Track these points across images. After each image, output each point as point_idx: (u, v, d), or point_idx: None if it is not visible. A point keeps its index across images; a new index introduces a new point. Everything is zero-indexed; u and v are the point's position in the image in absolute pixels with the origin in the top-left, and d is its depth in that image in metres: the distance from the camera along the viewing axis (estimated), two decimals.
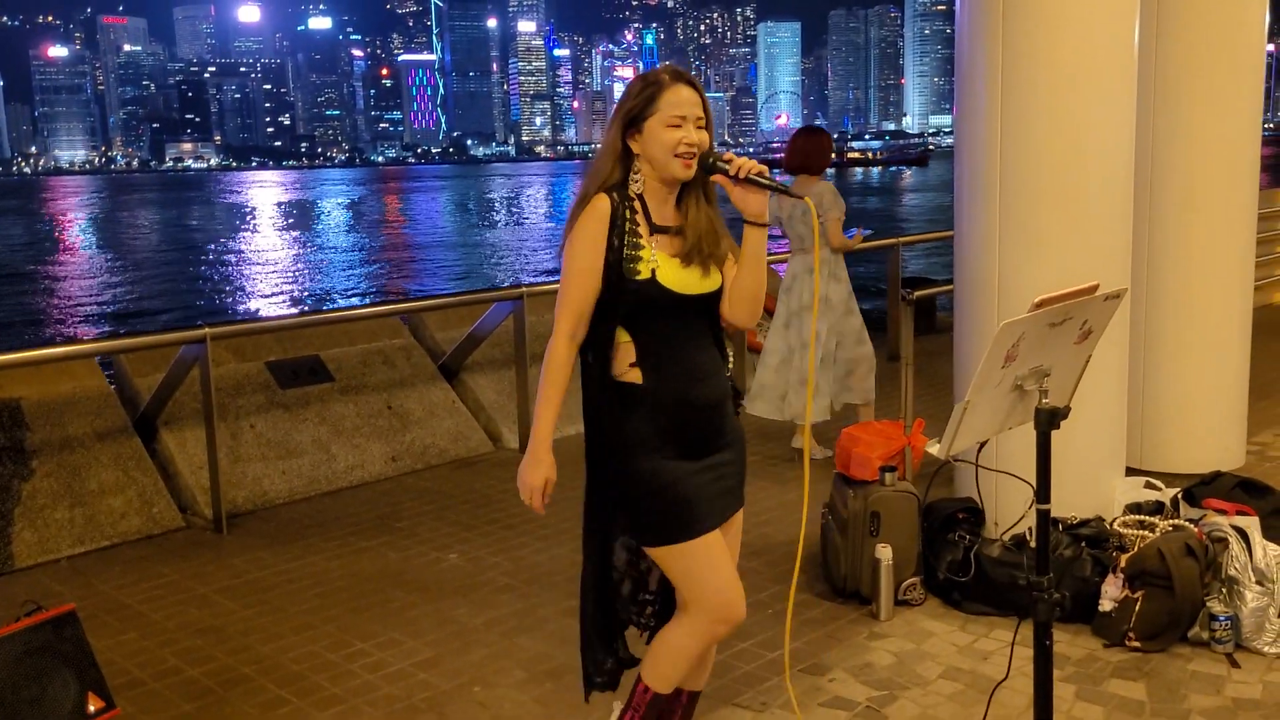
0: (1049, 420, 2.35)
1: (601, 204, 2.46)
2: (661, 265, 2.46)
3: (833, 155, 6.01)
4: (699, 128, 2.47)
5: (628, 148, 2.51)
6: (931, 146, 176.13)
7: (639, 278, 2.44)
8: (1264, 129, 5.57)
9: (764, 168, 2.41)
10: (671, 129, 2.44)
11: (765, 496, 5.28)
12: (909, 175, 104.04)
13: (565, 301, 2.48)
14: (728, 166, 2.42)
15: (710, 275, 2.51)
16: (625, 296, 2.45)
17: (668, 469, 2.47)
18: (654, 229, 2.50)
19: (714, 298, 2.54)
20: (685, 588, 2.53)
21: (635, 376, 2.48)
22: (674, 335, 2.49)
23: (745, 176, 2.41)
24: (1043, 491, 2.40)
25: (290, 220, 63.22)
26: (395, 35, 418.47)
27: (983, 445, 2.44)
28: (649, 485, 2.47)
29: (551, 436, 2.51)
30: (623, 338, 2.49)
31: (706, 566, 2.49)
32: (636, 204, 2.51)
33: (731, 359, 2.65)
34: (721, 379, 2.58)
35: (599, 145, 2.63)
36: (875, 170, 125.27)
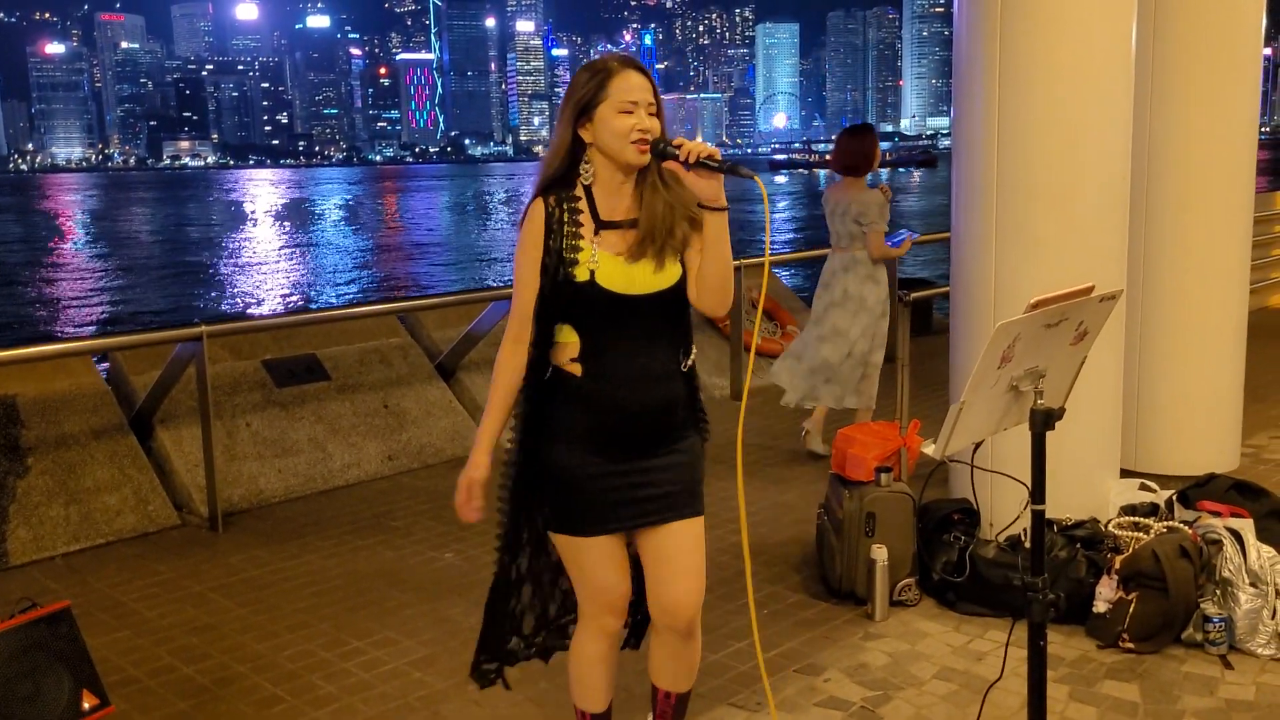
0: (1044, 421, 2.35)
1: (536, 210, 2.45)
2: (603, 265, 2.42)
3: (877, 156, 5.84)
4: (650, 114, 2.42)
5: (578, 139, 2.46)
6: (930, 150, 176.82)
7: (578, 280, 2.42)
8: (1260, 132, 5.57)
9: (714, 150, 2.36)
10: (624, 115, 2.40)
11: (760, 497, 5.29)
12: (918, 176, 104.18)
13: (514, 306, 2.51)
14: (677, 152, 2.38)
15: (665, 269, 2.46)
16: (564, 298, 2.44)
17: (580, 465, 2.48)
18: (600, 225, 2.46)
19: (670, 295, 2.48)
20: (570, 577, 2.65)
21: (575, 369, 2.47)
22: (620, 336, 2.46)
23: (695, 161, 2.36)
24: (1038, 492, 2.40)
25: (287, 219, 63.17)
26: (393, 34, 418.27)
27: (978, 446, 2.44)
28: (559, 476, 2.50)
29: (491, 441, 2.55)
30: (570, 336, 2.47)
31: (587, 566, 2.56)
32: (581, 201, 2.47)
33: (693, 359, 2.60)
34: (672, 384, 2.53)
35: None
36: (884, 172, 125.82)
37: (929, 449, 2.27)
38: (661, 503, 2.54)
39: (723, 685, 3.44)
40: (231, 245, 45.51)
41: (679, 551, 2.57)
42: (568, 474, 2.49)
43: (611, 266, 2.43)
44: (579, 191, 2.48)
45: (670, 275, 2.47)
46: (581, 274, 2.42)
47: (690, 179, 2.38)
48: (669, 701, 2.76)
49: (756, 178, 2.42)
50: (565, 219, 2.44)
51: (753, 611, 2.60)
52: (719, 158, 2.36)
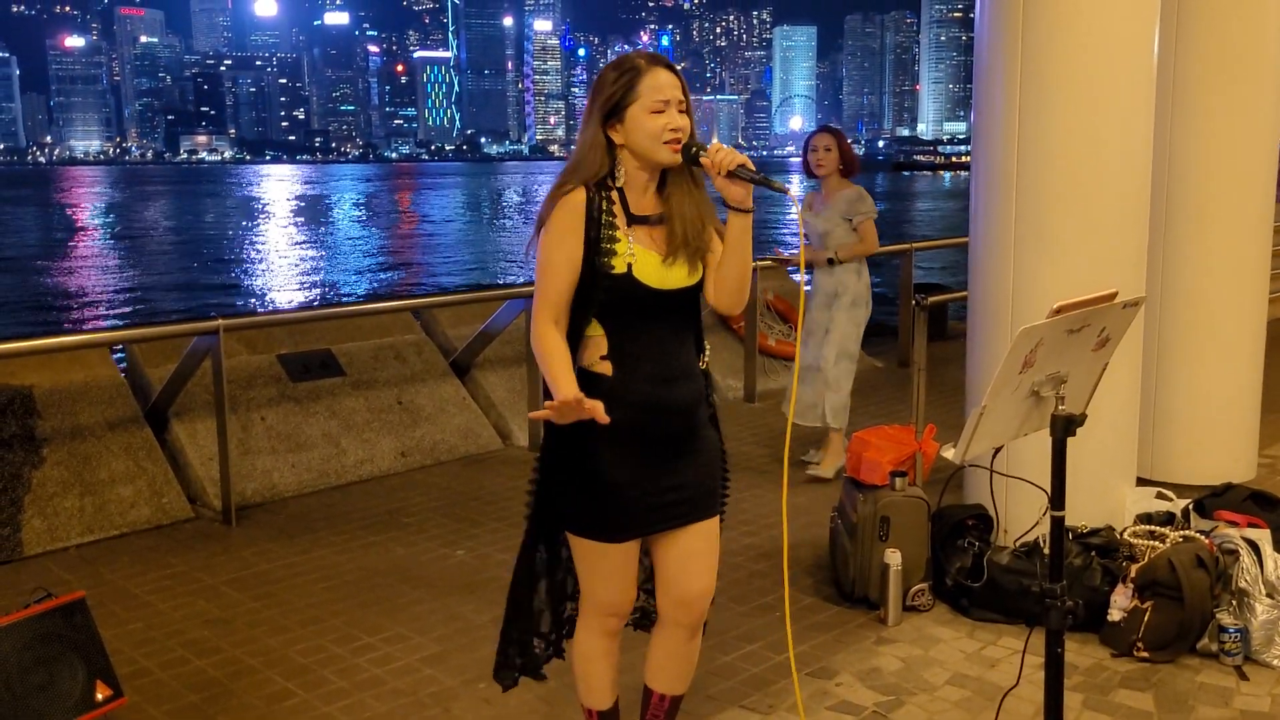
0: (1065, 427, 2.34)
1: (577, 198, 2.40)
2: (639, 259, 2.41)
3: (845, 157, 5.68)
4: (680, 112, 2.39)
5: (608, 139, 2.43)
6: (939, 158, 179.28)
7: (615, 271, 2.39)
8: None
9: (745, 159, 2.34)
10: (655, 115, 2.37)
11: (773, 500, 5.27)
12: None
13: (544, 294, 2.41)
14: (705, 159, 2.37)
15: (695, 269, 2.47)
16: (600, 290, 2.40)
17: (611, 470, 2.44)
18: (632, 219, 2.44)
19: (694, 291, 2.49)
20: (579, 575, 2.62)
21: (605, 369, 2.43)
22: (650, 331, 2.44)
23: (724, 173, 2.35)
24: (1057, 498, 2.39)
25: (304, 214, 63.36)
26: (411, 32, 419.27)
27: (997, 451, 2.43)
28: (588, 481, 2.45)
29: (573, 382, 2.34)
30: (596, 331, 2.44)
31: (604, 571, 2.55)
32: (614, 193, 2.44)
33: (708, 355, 2.60)
34: (696, 382, 2.53)
35: (576, 141, 2.55)
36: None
37: (949, 453, 2.26)
38: (686, 506, 2.54)
39: (734, 688, 3.43)
40: (248, 240, 45.67)
41: (698, 550, 2.59)
42: (598, 479, 2.45)
43: (647, 260, 2.42)
44: (613, 189, 2.46)
45: (699, 272, 2.49)
46: (619, 265, 2.40)
47: (720, 181, 2.37)
48: (663, 705, 2.76)
49: (789, 190, 2.41)
50: (605, 209, 2.42)
51: (788, 622, 2.59)
52: (751, 167, 2.35)
